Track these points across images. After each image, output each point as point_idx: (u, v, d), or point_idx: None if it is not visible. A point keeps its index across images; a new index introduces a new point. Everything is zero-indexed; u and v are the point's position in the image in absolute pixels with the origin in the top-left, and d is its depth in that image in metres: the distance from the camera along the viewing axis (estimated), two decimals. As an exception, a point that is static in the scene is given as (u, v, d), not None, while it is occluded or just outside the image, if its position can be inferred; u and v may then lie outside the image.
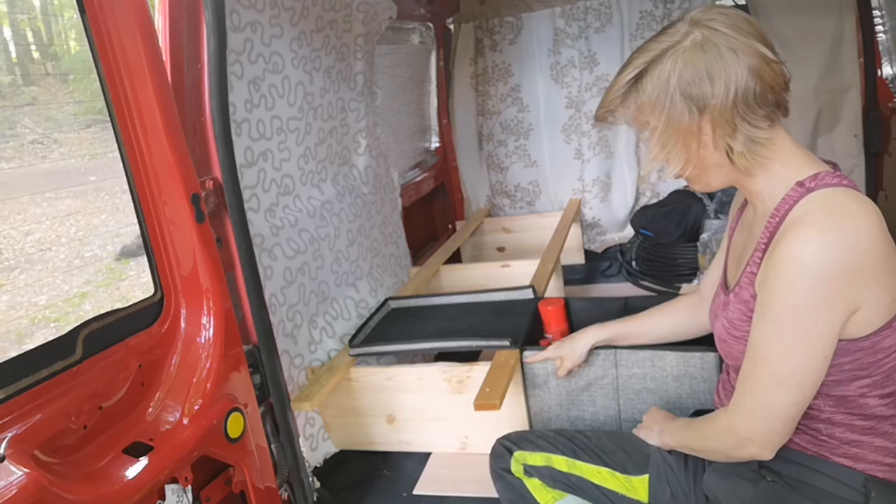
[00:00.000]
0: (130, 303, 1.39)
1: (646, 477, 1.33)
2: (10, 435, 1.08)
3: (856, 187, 1.03)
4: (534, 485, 1.41)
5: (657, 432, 1.36)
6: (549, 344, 2.11)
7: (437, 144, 3.87)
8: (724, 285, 1.22)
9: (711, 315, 1.27)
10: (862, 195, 1.01)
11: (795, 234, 0.97)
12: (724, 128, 1.02)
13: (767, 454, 1.07)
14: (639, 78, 1.05)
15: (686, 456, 1.31)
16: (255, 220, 1.97)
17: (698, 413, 1.41)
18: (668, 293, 3.14)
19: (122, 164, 1.37)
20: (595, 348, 1.82)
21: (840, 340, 1.00)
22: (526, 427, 2.02)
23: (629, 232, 3.76)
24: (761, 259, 1.06)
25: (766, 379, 1.02)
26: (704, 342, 1.63)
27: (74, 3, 1.27)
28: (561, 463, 1.40)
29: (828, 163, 1.08)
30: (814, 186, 1.02)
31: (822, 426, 1.08)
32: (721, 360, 1.73)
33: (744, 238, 1.20)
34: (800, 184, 1.03)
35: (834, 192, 1.00)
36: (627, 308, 2.26)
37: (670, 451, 1.33)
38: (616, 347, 1.84)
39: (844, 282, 0.95)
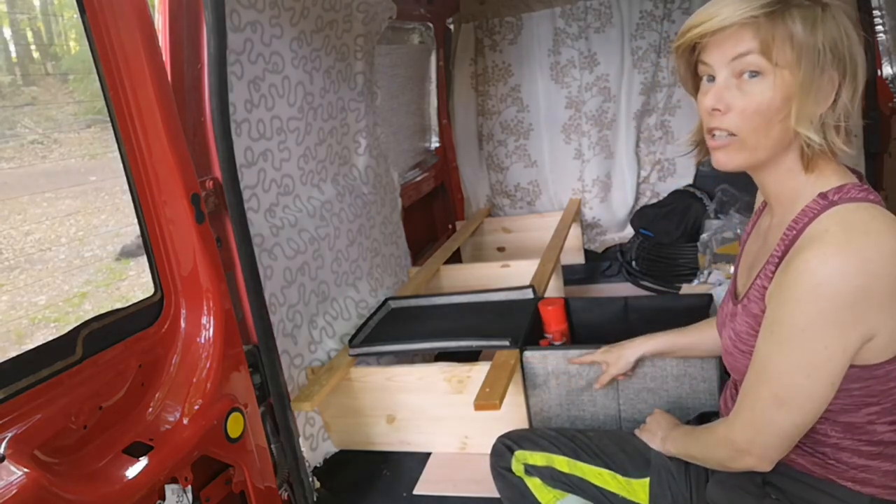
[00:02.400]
0: (130, 303, 1.39)
1: (646, 480, 1.32)
2: (10, 435, 1.08)
3: (880, 202, 0.96)
4: (535, 484, 1.41)
5: (660, 438, 1.35)
6: (550, 344, 2.12)
7: (437, 144, 3.87)
8: (734, 294, 1.17)
9: (719, 324, 1.23)
10: (886, 212, 0.94)
11: (814, 252, 0.91)
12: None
13: (765, 466, 1.05)
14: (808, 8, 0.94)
15: (688, 462, 1.30)
16: (255, 220, 1.97)
17: (702, 416, 1.40)
18: (668, 293, 3.14)
19: (122, 164, 1.37)
20: (594, 347, 1.82)
21: (852, 367, 0.95)
22: (526, 427, 2.02)
23: (629, 232, 3.76)
24: (774, 272, 1.00)
25: (768, 398, 0.99)
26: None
27: (74, 3, 1.27)
28: (562, 463, 1.39)
29: (853, 171, 1.02)
30: (837, 200, 0.96)
31: (829, 450, 1.05)
32: (722, 362, 1.73)
33: (757, 246, 1.14)
34: (822, 195, 0.97)
35: (858, 209, 0.94)
36: (628, 308, 2.26)
37: (671, 457, 1.32)
38: (616, 347, 1.84)
39: (862, 308, 0.89)
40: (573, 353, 1.92)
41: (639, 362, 1.70)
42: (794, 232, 0.98)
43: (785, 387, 0.97)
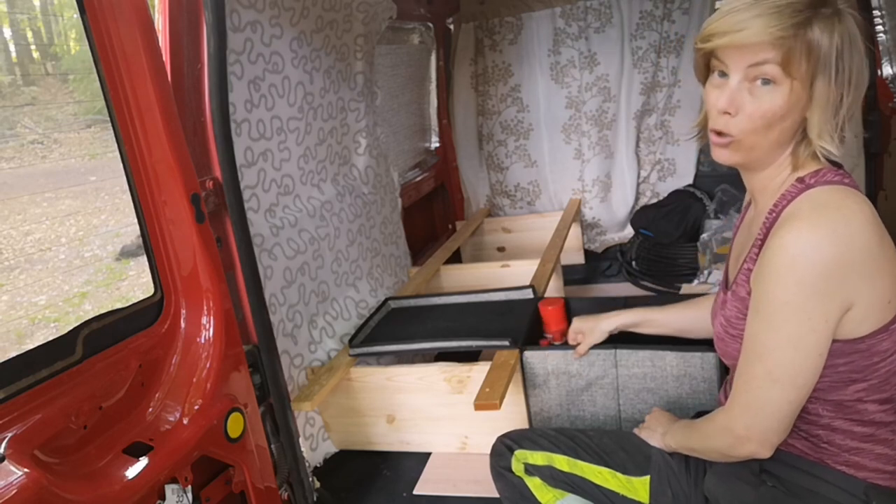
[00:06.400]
0: (130, 303, 1.39)
1: (647, 478, 1.33)
2: (10, 435, 1.08)
3: (856, 186, 1.02)
4: (535, 484, 1.41)
5: (660, 434, 1.36)
6: (550, 344, 2.12)
7: (437, 144, 3.87)
8: (725, 284, 1.22)
9: (712, 315, 1.27)
10: (859, 193, 1.00)
11: (787, 229, 0.97)
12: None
13: (765, 452, 1.06)
14: (828, 19, 0.96)
15: (688, 458, 1.30)
16: (255, 220, 1.97)
17: (701, 415, 1.41)
18: (668, 293, 3.14)
19: (122, 164, 1.37)
20: (594, 348, 1.82)
21: (836, 341, 0.99)
22: (526, 427, 2.02)
23: (629, 232, 3.76)
24: (757, 255, 1.05)
25: (761, 376, 1.02)
26: (705, 342, 1.63)
27: (74, 3, 1.27)
28: (562, 462, 1.39)
29: (833, 164, 1.06)
30: (813, 183, 1.02)
31: (822, 433, 1.07)
32: (721, 361, 1.73)
33: (744, 237, 1.20)
34: (800, 180, 1.03)
35: (831, 190, 1.00)
36: (628, 308, 2.25)
37: (671, 454, 1.32)
38: (616, 347, 1.84)
39: (837, 277, 0.94)
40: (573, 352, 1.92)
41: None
42: (774, 215, 1.04)
43: (776, 362, 0.99)
